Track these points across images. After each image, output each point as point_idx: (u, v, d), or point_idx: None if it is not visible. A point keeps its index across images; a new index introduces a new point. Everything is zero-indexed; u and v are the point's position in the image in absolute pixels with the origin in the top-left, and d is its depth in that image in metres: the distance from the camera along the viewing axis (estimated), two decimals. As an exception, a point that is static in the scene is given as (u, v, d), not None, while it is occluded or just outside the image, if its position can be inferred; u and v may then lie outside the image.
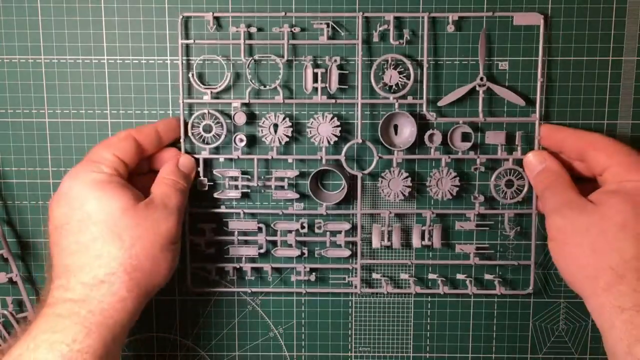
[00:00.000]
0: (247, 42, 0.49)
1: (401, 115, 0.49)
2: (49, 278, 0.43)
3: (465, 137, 0.49)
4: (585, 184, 0.46)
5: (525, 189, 0.49)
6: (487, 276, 0.51)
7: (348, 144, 0.49)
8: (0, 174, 0.50)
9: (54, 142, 0.50)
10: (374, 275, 0.52)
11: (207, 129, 0.49)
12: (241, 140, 0.49)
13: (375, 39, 0.49)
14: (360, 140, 0.49)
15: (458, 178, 0.49)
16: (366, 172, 0.49)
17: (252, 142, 0.50)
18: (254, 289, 0.52)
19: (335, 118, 0.49)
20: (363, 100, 0.49)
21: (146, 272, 0.43)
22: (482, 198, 0.50)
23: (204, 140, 0.49)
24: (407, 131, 0.49)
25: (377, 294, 0.52)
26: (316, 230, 0.51)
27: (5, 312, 0.51)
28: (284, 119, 0.49)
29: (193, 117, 0.49)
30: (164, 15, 0.49)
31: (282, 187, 0.50)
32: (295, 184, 0.51)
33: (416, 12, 0.48)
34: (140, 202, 0.43)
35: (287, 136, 0.49)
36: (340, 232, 0.50)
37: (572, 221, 0.42)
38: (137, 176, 0.48)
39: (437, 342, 0.53)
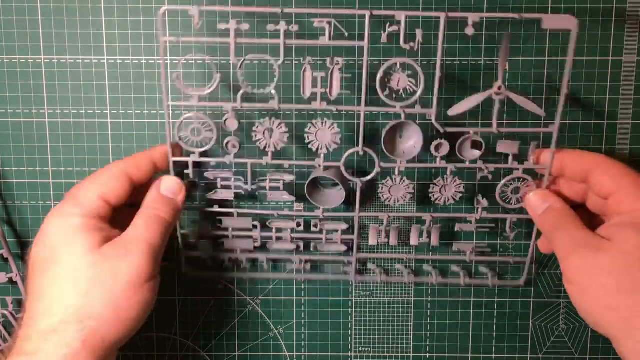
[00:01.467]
0: (239, 40, 0.44)
1: (408, 125, 0.46)
2: (19, 325, 0.40)
3: (474, 144, 0.46)
4: (586, 214, 0.45)
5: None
6: (482, 269, 0.51)
7: (348, 152, 0.47)
8: (0, 174, 0.51)
9: (54, 142, 0.50)
10: (370, 266, 0.51)
11: (196, 133, 0.46)
12: (234, 147, 0.47)
13: (384, 40, 0.43)
14: (361, 152, 0.47)
15: (462, 185, 0.48)
16: (365, 179, 0.47)
17: (244, 141, 0.50)
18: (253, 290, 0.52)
19: (335, 125, 0.46)
20: (367, 108, 0.45)
21: (104, 321, 0.38)
22: (485, 203, 0.49)
23: (192, 145, 0.47)
24: (412, 141, 0.47)
25: (372, 285, 0.52)
26: (312, 229, 0.50)
27: (6, 312, 0.51)
28: (279, 124, 0.46)
29: (179, 121, 0.46)
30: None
31: (277, 189, 0.49)
32: (294, 184, 0.50)
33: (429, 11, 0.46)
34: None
35: (283, 142, 0.46)
36: (337, 231, 0.50)
37: (590, 261, 0.39)
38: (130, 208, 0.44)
39: (437, 342, 0.53)
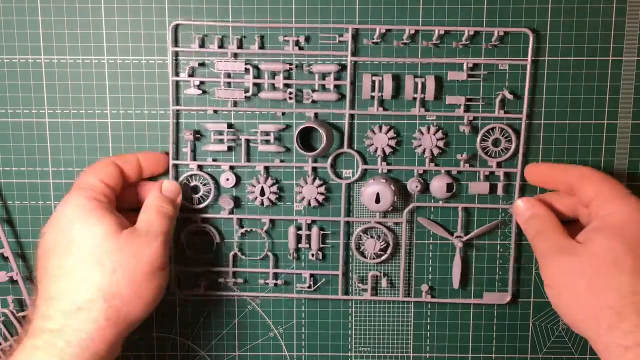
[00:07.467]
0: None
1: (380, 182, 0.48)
2: (32, 306, 0.43)
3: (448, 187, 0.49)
4: (574, 224, 0.46)
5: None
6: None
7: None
8: (0, 174, 0.51)
9: (54, 142, 0.50)
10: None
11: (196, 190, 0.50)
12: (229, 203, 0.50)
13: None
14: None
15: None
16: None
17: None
18: (253, 292, 0.52)
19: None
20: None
21: (126, 300, 0.42)
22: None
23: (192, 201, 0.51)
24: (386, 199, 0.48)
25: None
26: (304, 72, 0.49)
27: (6, 310, 0.51)
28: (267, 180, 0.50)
29: (182, 178, 0.50)
30: (164, 15, 0.49)
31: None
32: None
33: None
34: (125, 229, 0.44)
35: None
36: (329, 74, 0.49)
37: (565, 265, 0.42)
38: (125, 212, 0.47)
39: (437, 342, 0.53)
